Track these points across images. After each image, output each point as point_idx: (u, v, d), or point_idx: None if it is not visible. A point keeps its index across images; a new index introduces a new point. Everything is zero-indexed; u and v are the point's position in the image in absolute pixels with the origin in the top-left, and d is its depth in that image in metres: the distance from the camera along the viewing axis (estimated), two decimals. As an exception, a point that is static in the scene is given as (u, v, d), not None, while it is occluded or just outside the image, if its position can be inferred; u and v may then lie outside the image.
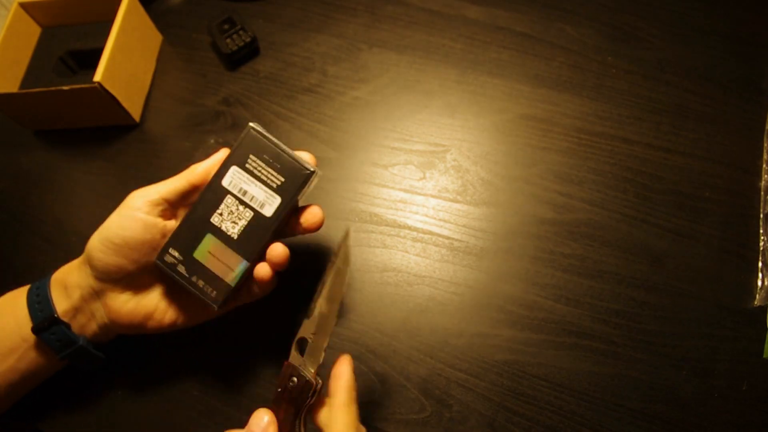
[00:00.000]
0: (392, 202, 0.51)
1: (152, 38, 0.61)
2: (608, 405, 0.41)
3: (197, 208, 0.37)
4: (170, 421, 0.44)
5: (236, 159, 0.36)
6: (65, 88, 0.51)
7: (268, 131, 0.37)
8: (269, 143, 0.36)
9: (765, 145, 0.50)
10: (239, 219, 0.37)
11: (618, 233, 0.47)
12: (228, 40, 0.58)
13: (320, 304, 0.34)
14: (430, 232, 0.49)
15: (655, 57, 0.55)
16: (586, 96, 0.54)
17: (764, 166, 0.49)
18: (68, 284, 0.39)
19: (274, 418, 0.32)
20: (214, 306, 0.38)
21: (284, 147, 0.36)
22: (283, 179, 0.36)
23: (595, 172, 0.50)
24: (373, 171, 0.53)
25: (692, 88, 0.53)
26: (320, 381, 0.33)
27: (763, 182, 0.49)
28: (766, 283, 0.44)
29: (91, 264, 0.37)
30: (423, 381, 0.43)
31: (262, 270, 0.37)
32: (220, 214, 0.37)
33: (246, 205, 0.37)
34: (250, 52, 0.59)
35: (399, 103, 0.56)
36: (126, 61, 0.55)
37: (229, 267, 0.37)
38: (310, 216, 0.38)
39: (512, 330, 0.44)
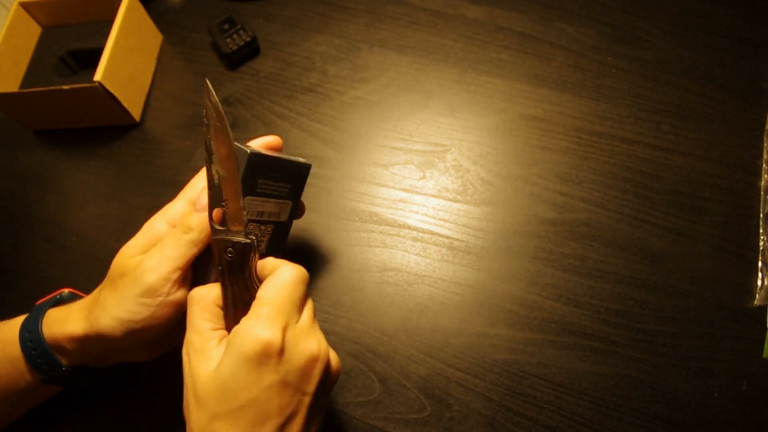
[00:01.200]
0: (392, 202, 0.51)
1: (152, 38, 0.61)
2: (608, 405, 0.41)
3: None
4: (170, 421, 0.44)
5: (247, 189, 0.34)
6: (65, 87, 0.51)
7: (262, 148, 0.36)
8: (270, 159, 0.35)
9: (765, 145, 0.50)
10: (264, 236, 0.37)
11: (618, 233, 0.47)
12: (228, 40, 0.58)
13: (216, 170, 0.32)
14: (430, 232, 0.49)
15: (655, 57, 0.55)
16: (586, 96, 0.54)
17: (764, 166, 0.49)
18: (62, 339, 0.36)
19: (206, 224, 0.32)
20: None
21: (282, 156, 0.36)
22: (289, 185, 0.37)
23: (595, 172, 0.50)
24: (373, 170, 0.53)
25: (692, 88, 0.53)
26: (252, 237, 0.32)
27: (763, 182, 0.49)
28: (766, 282, 0.44)
29: (100, 342, 0.35)
30: (423, 381, 0.43)
31: None
32: None
33: (267, 222, 0.37)
34: (250, 51, 0.59)
35: (399, 102, 0.56)
36: (126, 60, 0.55)
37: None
38: None
39: (512, 330, 0.44)
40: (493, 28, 0.59)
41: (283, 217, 0.38)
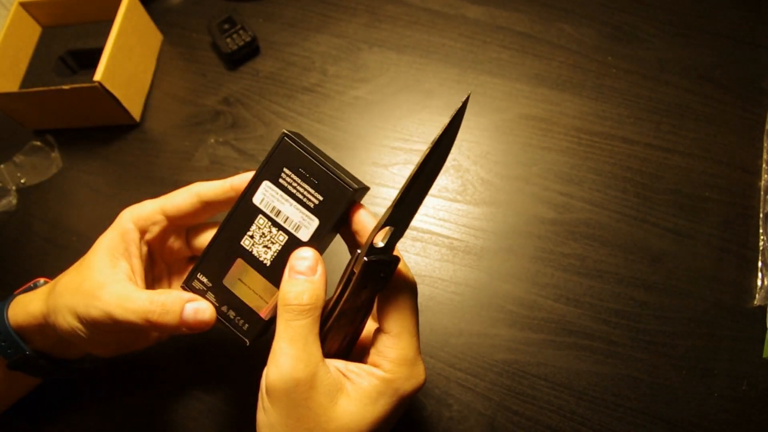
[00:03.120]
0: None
1: (152, 38, 0.61)
2: (608, 405, 0.41)
3: (226, 227, 0.32)
4: (171, 421, 0.44)
5: (269, 173, 0.31)
6: (65, 87, 0.51)
7: (305, 138, 0.32)
8: (307, 155, 0.30)
9: (765, 145, 0.50)
10: (272, 243, 0.32)
11: (618, 233, 0.47)
12: (228, 40, 0.58)
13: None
14: (430, 232, 0.49)
15: (655, 57, 0.55)
16: (586, 96, 0.54)
17: (764, 166, 0.49)
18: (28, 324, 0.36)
19: (319, 256, 0.30)
20: (246, 341, 0.33)
21: (324, 159, 0.31)
22: (321, 198, 0.31)
23: (595, 172, 0.50)
24: (373, 170, 0.53)
25: (692, 88, 0.53)
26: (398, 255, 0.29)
27: (763, 182, 0.49)
28: (765, 282, 0.44)
29: (53, 328, 0.34)
30: (423, 381, 0.43)
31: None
32: (251, 237, 0.32)
33: (280, 228, 0.32)
34: (250, 51, 0.59)
35: (399, 102, 0.56)
36: (126, 60, 0.55)
37: (263, 298, 0.33)
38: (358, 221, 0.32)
39: (512, 329, 0.44)
40: (493, 28, 0.59)
41: (303, 236, 0.31)
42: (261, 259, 0.32)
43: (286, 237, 0.31)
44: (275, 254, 0.32)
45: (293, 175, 0.31)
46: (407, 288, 0.31)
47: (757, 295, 0.44)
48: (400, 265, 0.30)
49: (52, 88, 0.51)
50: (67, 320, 0.32)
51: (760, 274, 0.45)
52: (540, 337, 0.44)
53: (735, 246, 0.46)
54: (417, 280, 0.47)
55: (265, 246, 0.32)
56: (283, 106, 0.57)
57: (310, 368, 0.27)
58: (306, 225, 0.31)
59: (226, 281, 0.33)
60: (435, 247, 0.48)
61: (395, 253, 0.30)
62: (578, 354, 0.43)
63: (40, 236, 0.53)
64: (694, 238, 0.47)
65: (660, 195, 0.49)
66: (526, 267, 0.47)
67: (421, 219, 0.50)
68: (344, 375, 0.29)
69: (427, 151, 0.27)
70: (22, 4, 0.57)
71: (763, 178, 0.49)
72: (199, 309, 0.32)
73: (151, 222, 0.35)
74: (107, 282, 0.32)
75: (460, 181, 0.51)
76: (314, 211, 0.31)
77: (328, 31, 0.60)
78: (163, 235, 0.36)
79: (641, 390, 0.42)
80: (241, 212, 0.32)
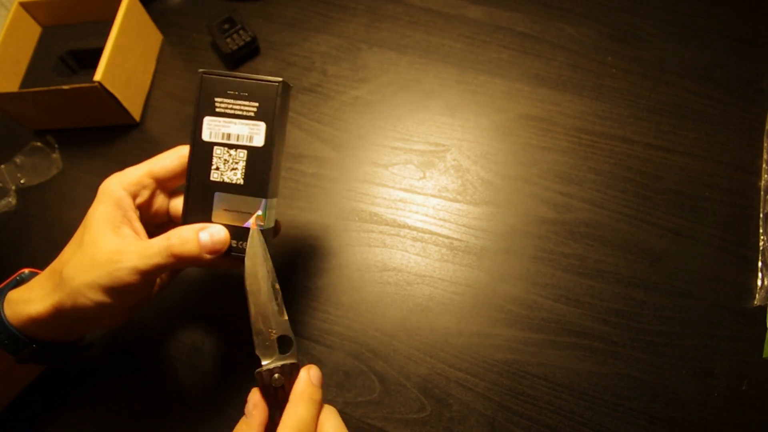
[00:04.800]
0: (392, 202, 0.51)
1: (152, 38, 0.61)
2: (608, 405, 0.41)
3: (192, 176, 0.35)
4: (171, 420, 0.44)
5: (204, 109, 0.35)
6: (65, 87, 0.51)
7: (220, 70, 0.35)
8: (227, 77, 0.34)
9: (765, 145, 0.50)
10: (237, 163, 0.35)
11: (618, 233, 0.47)
12: (228, 40, 0.58)
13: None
14: (430, 232, 0.49)
15: (655, 57, 0.55)
16: (586, 96, 0.54)
17: (764, 166, 0.49)
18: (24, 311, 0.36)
19: (261, 401, 0.31)
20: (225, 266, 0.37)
21: (242, 74, 0.35)
22: (257, 103, 0.34)
23: (595, 172, 0.50)
24: (373, 170, 0.53)
25: (692, 88, 0.53)
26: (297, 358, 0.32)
27: (763, 182, 0.49)
28: (766, 282, 0.44)
29: (70, 314, 0.34)
30: (423, 380, 0.43)
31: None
32: (217, 169, 0.35)
33: (236, 147, 0.35)
34: (250, 51, 0.59)
35: (399, 102, 0.56)
36: (126, 60, 0.55)
37: (248, 213, 0.35)
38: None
39: (512, 329, 0.44)
40: (493, 28, 0.59)
41: (258, 142, 0.34)
42: (234, 182, 0.35)
43: (245, 151, 0.35)
44: (244, 170, 0.35)
45: (225, 100, 0.34)
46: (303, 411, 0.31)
47: (757, 295, 0.44)
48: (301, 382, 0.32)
49: (52, 88, 0.51)
50: (91, 297, 0.33)
51: (760, 274, 0.45)
52: (540, 337, 0.44)
53: (735, 246, 0.46)
54: (417, 280, 0.47)
55: (233, 169, 0.35)
56: (283, 106, 0.57)
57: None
58: (257, 132, 0.35)
59: (215, 218, 0.35)
60: (435, 247, 0.48)
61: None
62: (578, 354, 0.43)
63: (40, 236, 0.53)
64: (694, 238, 0.47)
65: (660, 195, 0.49)
66: (526, 267, 0.47)
67: (421, 219, 0.50)
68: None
69: None
70: (22, 4, 0.57)
71: (763, 178, 0.49)
72: (213, 232, 0.34)
73: (141, 186, 0.36)
74: (120, 247, 0.33)
75: (460, 181, 0.51)
76: (257, 117, 0.35)
77: (328, 31, 0.60)
78: (151, 198, 0.37)
79: (641, 390, 0.42)
80: (197, 154, 0.35)
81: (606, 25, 0.58)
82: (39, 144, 0.57)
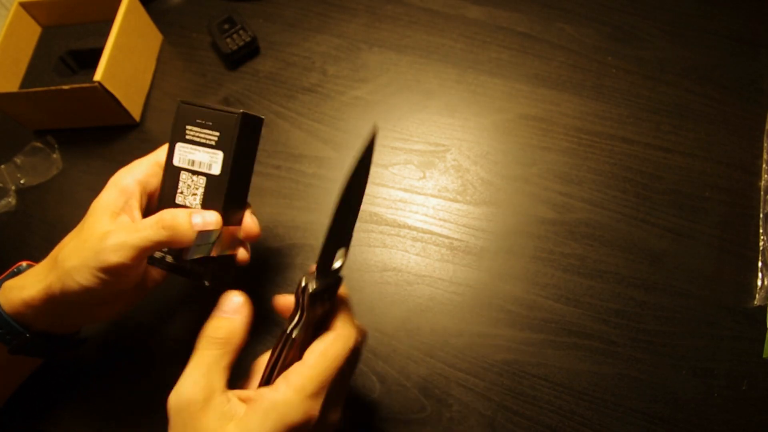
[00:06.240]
0: (392, 202, 0.51)
1: (152, 38, 0.61)
2: (608, 405, 0.41)
3: (162, 196, 0.37)
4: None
5: (177, 135, 0.37)
6: (65, 87, 0.51)
7: (200, 101, 0.37)
8: (198, 107, 0.36)
9: (765, 145, 0.50)
10: (197, 189, 0.37)
11: (618, 233, 0.47)
12: (228, 40, 0.58)
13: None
14: (430, 232, 0.49)
15: (655, 57, 0.55)
16: (586, 96, 0.54)
17: (764, 166, 0.49)
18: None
19: (247, 300, 0.31)
20: (205, 282, 0.37)
21: (212, 105, 0.36)
22: (218, 133, 0.36)
23: (595, 172, 0.50)
24: (373, 170, 0.52)
25: (692, 88, 0.53)
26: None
27: (763, 182, 0.49)
28: (766, 282, 0.44)
29: (62, 300, 0.34)
30: (423, 381, 0.43)
31: (241, 255, 0.39)
32: (181, 193, 0.37)
33: (197, 173, 0.37)
34: (250, 51, 0.59)
35: (399, 102, 0.56)
36: (126, 60, 0.55)
37: (204, 239, 0.36)
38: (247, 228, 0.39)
39: (512, 330, 0.44)
40: (493, 28, 0.59)
41: (215, 170, 0.36)
42: (193, 206, 0.37)
43: (205, 178, 0.36)
44: (201, 196, 0.37)
45: (194, 128, 0.36)
46: (344, 333, 0.31)
47: (757, 295, 0.44)
48: (343, 310, 0.32)
49: (52, 88, 0.51)
50: (77, 279, 0.33)
51: (760, 274, 0.45)
52: (540, 337, 0.44)
53: (735, 246, 0.46)
54: (417, 280, 0.47)
55: (193, 194, 0.37)
56: (283, 106, 0.57)
57: (205, 393, 0.28)
58: (215, 160, 0.36)
59: None
60: (435, 247, 0.48)
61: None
62: (578, 354, 0.43)
63: (40, 236, 0.53)
64: (694, 238, 0.47)
65: (660, 195, 0.49)
66: (526, 267, 0.47)
67: (421, 219, 0.50)
68: (244, 400, 0.29)
69: (347, 183, 0.30)
70: (22, 4, 0.57)
71: (763, 178, 0.49)
72: (205, 215, 0.35)
73: (151, 175, 0.37)
74: (111, 229, 0.33)
75: (460, 181, 0.51)
76: (216, 146, 0.36)
77: (328, 31, 0.60)
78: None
79: (641, 390, 0.42)
80: (167, 177, 0.37)
81: (606, 25, 0.58)
82: (39, 144, 0.57)
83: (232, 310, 0.31)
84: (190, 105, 0.37)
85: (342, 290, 0.32)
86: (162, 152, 0.38)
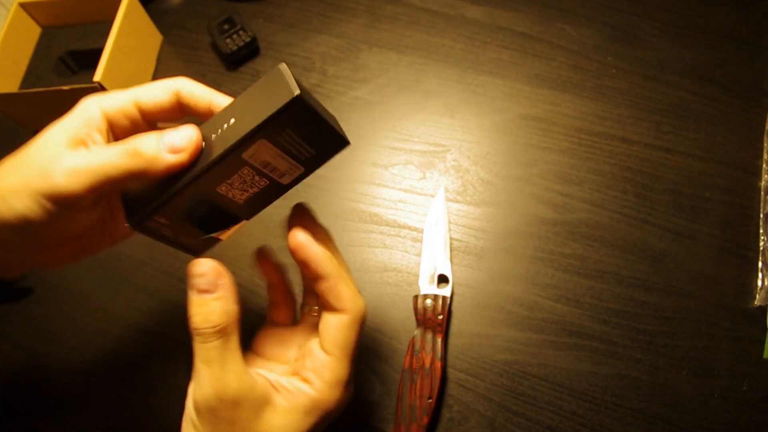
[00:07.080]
0: (392, 202, 0.51)
1: (152, 38, 0.61)
2: (608, 405, 0.41)
3: (203, 177, 0.29)
4: (170, 420, 0.44)
5: (269, 133, 0.28)
6: (65, 88, 0.51)
7: (308, 91, 0.29)
8: (315, 116, 0.28)
9: (765, 145, 0.50)
10: (251, 187, 0.31)
11: (618, 233, 0.47)
12: (228, 40, 0.58)
13: None
14: (430, 232, 0.49)
15: (655, 57, 0.55)
16: (586, 96, 0.54)
17: (764, 166, 0.49)
18: None
19: (219, 265, 0.28)
20: (196, 255, 0.33)
21: (328, 118, 0.29)
22: (314, 151, 0.30)
23: (595, 172, 0.50)
24: (373, 171, 0.53)
25: (692, 88, 0.53)
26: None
27: (763, 182, 0.49)
28: (766, 283, 0.44)
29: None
30: (423, 381, 0.43)
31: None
32: (230, 184, 0.30)
33: (263, 175, 0.30)
34: (250, 52, 0.59)
35: (399, 103, 0.56)
36: (126, 61, 0.55)
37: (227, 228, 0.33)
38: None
39: (512, 330, 0.44)
40: (493, 28, 0.59)
41: (285, 180, 0.31)
42: (235, 199, 0.31)
43: (268, 182, 0.31)
44: (250, 195, 0.31)
45: (294, 135, 0.28)
46: (356, 312, 0.31)
47: (757, 295, 0.44)
48: (346, 282, 0.31)
49: (52, 88, 0.51)
50: (16, 205, 0.26)
51: (760, 274, 0.45)
52: (540, 337, 0.44)
53: (735, 246, 0.46)
54: (417, 280, 0.47)
55: (243, 190, 0.30)
56: (283, 107, 0.56)
57: (231, 387, 0.27)
58: (291, 173, 0.31)
59: (191, 218, 0.31)
60: (435, 248, 0.48)
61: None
62: (578, 354, 0.43)
63: (40, 237, 0.53)
64: (694, 239, 0.47)
65: (660, 195, 0.49)
66: (526, 267, 0.47)
67: (421, 219, 0.50)
68: (274, 387, 0.29)
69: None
70: (22, 4, 0.57)
71: (763, 178, 0.49)
72: (181, 129, 0.27)
73: (122, 114, 0.29)
74: (67, 153, 0.27)
75: (460, 181, 0.51)
76: (303, 161, 0.30)
77: (328, 32, 0.60)
78: (133, 131, 0.30)
79: (641, 390, 0.42)
80: (225, 164, 0.28)
81: (606, 25, 0.58)
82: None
83: (212, 286, 0.27)
84: (308, 108, 0.27)
85: (338, 259, 0.32)
86: (145, 91, 0.30)
